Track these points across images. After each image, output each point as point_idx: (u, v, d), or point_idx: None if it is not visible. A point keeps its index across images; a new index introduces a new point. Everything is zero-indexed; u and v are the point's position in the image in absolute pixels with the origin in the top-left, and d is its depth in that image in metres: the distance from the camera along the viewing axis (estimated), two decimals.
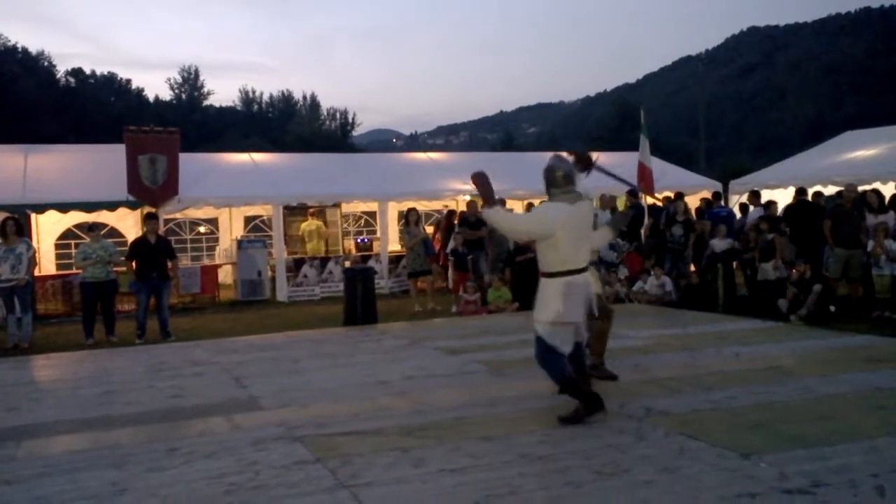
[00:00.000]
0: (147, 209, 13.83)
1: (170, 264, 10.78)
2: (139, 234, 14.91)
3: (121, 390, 6.94)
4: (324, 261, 15.81)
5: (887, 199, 11.44)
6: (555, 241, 5.19)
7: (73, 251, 13.03)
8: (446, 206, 17.23)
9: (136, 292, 10.65)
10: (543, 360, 5.29)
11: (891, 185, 13.57)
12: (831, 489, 3.77)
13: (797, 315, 9.82)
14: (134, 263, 10.54)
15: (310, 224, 16.59)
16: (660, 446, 4.58)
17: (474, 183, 5.43)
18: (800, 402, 5.53)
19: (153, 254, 10.55)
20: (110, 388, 7.08)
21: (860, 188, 11.92)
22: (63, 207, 13.89)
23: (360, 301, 10.94)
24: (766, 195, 15.17)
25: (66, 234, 15.28)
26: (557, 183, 5.35)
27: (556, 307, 5.14)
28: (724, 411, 5.37)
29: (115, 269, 10.90)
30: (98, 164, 15.17)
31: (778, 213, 12.66)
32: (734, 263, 12.33)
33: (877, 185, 13.28)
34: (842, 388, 5.89)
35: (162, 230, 14.50)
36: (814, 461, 4.18)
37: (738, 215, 14.46)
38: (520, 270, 12.42)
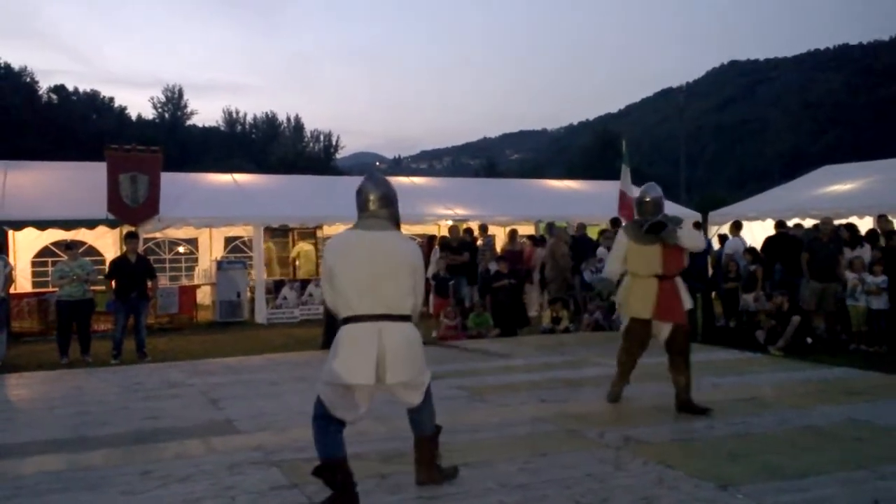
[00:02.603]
0: (127, 228, 13.73)
1: (150, 284, 10.70)
2: (118, 253, 14.78)
3: (95, 411, 6.84)
4: (304, 283, 15.75)
5: (864, 232, 11.61)
6: (332, 276, 4.06)
7: (50, 269, 12.88)
8: (420, 237, 17.19)
9: (114, 312, 10.54)
10: (313, 424, 4.06)
11: (868, 219, 13.78)
12: None
13: (776, 347, 9.89)
14: (113, 283, 10.44)
15: (303, 247, 16.70)
16: (638, 476, 4.58)
17: None
18: (777, 433, 5.55)
19: (133, 273, 10.46)
20: (85, 408, 6.98)
21: (837, 222, 12.08)
22: (41, 225, 13.77)
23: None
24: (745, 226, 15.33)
25: (44, 252, 15.12)
26: (361, 206, 4.26)
27: (331, 363, 3.97)
28: (702, 441, 5.38)
29: (92, 288, 10.79)
30: (78, 182, 15.07)
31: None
32: (712, 293, 12.43)
33: (853, 219, 13.48)
34: (819, 419, 5.93)
35: (141, 249, 14.41)
36: (791, 493, 4.20)
37: (717, 246, 14.59)
38: (500, 296, 12.44)
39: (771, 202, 17.97)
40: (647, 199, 6.43)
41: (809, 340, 10.06)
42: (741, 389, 7.23)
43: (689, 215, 19.42)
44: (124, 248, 10.91)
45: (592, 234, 14.92)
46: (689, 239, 6.31)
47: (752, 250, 12.34)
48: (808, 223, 14.20)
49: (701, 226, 15.38)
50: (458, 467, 4.62)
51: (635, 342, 6.49)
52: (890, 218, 12.48)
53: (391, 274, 4.01)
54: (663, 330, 6.30)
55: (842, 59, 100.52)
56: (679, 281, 6.39)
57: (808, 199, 16.91)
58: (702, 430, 5.69)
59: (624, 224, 6.79)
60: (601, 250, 13.01)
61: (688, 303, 6.41)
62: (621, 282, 6.63)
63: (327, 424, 4.00)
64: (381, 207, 4.21)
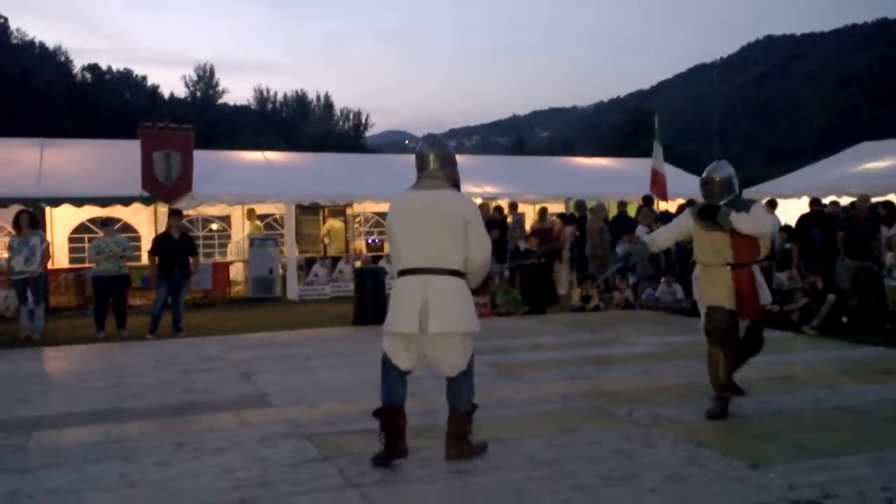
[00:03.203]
0: (161, 205, 13.95)
1: (192, 260, 10.80)
2: (152, 229, 15.03)
3: (131, 384, 6.98)
4: (335, 260, 15.87)
5: None
6: (391, 234, 4.44)
7: (87, 245, 13.12)
8: None
9: (156, 287, 10.67)
10: (381, 370, 4.43)
11: None
12: (841, 501, 3.75)
13: (810, 325, 9.77)
14: (157, 259, 10.57)
15: (335, 223, 16.89)
16: (668, 453, 4.57)
17: None
18: (810, 412, 5.50)
19: (177, 250, 10.58)
20: (121, 381, 7.12)
21: (874, 200, 11.86)
22: (77, 202, 14.00)
23: (370, 301, 10.95)
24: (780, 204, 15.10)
25: (80, 229, 15.38)
26: (420, 167, 4.50)
27: (389, 313, 4.39)
28: (733, 420, 5.35)
29: (128, 263, 10.95)
30: (113, 160, 15.28)
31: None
32: None
33: (891, 196, 13.22)
34: (852, 399, 5.86)
35: None
36: (823, 472, 4.16)
37: None
38: (529, 274, 12.43)
39: (806, 179, 17.67)
40: (716, 179, 5.68)
41: (845, 319, 9.92)
42: (774, 368, 7.15)
43: None
44: (168, 225, 10.98)
45: (632, 211, 14.79)
46: (748, 224, 5.47)
47: (787, 228, 12.16)
48: (845, 201, 13.95)
49: (776, 205, 14.90)
50: (487, 442, 4.64)
51: (718, 330, 5.56)
52: None
53: (440, 230, 4.23)
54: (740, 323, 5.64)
55: (880, 34, 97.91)
56: (756, 270, 5.69)
57: (844, 176, 16.59)
58: (733, 408, 5.63)
59: (691, 205, 5.93)
60: (640, 228, 12.92)
61: (766, 296, 5.77)
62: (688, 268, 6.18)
63: (388, 371, 4.35)
64: (438, 168, 4.43)
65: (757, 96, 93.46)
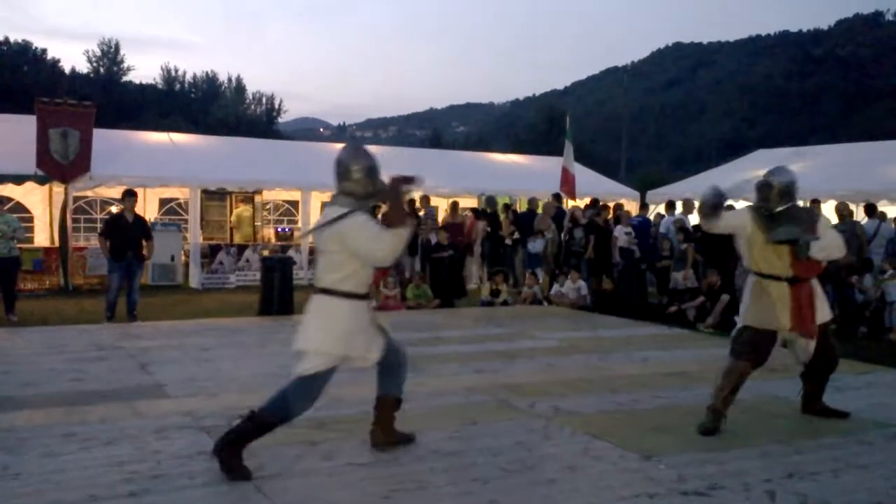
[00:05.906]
0: (56, 183, 13.32)
1: (145, 244, 10.21)
2: (46, 210, 14.37)
3: (19, 371, 6.63)
4: (241, 248, 15.52)
5: None
6: None
7: None
8: None
9: (109, 273, 10.12)
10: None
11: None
12: (726, 492, 3.92)
13: (705, 324, 10.17)
14: (108, 242, 9.97)
15: (244, 211, 16.50)
16: (565, 445, 4.67)
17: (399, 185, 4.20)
18: (701, 407, 5.68)
19: (130, 233, 9.99)
20: (7, 368, 6.76)
21: None
22: None
23: (276, 291, 10.76)
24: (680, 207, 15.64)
25: None
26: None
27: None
28: (628, 413, 5.51)
29: (20, 245, 10.41)
30: (6, 136, 14.47)
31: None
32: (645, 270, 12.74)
33: None
34: (741, 395, 6.07)
35: (71, 207, 13.98)
36: (711, 465, 4.34)
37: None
38: (438, 267, 12.50)
39: (706, 183, 18.25)
40: (774, 185, 5.15)
41: (737, 318, 10.35)
42: (669, 364, 7.42)
43: (628, 194, 19.77)
44: (121, 206, 10.38)
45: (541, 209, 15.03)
46: (827, 253, 5.06)
47: (683, 229, 12.58)
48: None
49: (647, 205, 15.41)
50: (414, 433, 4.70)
51: (751, 360, 5.20)
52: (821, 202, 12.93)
53: (321, 251, 4.24)
54: (799, 342, 5.21)
55: (781, 46, 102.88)
56: (816, 284, 5.17)
57: (741, 181, 17.32)
58: (629, 402, 5.82)
59: (751, 205, 5.39)
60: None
61: (824, 314, 5.21)
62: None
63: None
64: (345, 181, 4.24)
65: (665, 101, 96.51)
